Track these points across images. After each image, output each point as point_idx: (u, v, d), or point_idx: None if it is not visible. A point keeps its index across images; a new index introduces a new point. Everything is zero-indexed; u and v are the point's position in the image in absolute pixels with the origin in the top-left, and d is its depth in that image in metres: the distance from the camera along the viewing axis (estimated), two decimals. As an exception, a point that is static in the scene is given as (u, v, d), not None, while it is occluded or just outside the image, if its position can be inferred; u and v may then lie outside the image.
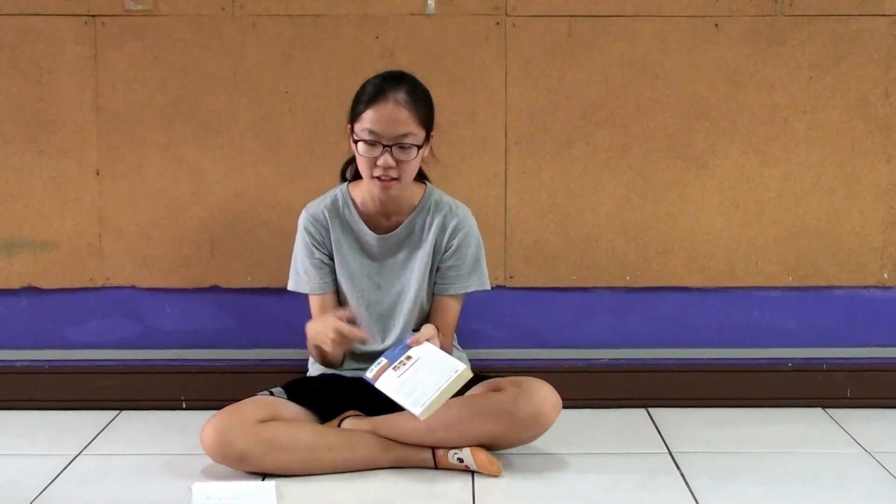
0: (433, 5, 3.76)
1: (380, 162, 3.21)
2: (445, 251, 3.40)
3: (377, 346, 3.43)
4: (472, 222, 3.43)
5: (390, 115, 3.20)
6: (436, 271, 3.41)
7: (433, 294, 3.44)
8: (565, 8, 3.76)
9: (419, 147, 3.25)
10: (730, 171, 3.82)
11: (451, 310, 3.43)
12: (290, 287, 3.47)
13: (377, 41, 3.75)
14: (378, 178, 3.24)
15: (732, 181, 3.82)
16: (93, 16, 3.75)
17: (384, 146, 3.21)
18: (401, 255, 3.42)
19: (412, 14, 3.76)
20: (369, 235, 3.40)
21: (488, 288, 3.46)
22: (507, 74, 3.79)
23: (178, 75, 3.78)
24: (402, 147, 3.22)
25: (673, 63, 3.78)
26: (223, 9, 3.75)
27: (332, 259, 3.42)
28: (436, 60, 3.76)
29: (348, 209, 3.42)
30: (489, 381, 3.31)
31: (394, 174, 3.23)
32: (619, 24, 3.77)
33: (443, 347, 3.35)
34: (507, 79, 3.79)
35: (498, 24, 3.77)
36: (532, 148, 3.81)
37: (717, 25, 3.77)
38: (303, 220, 3.44)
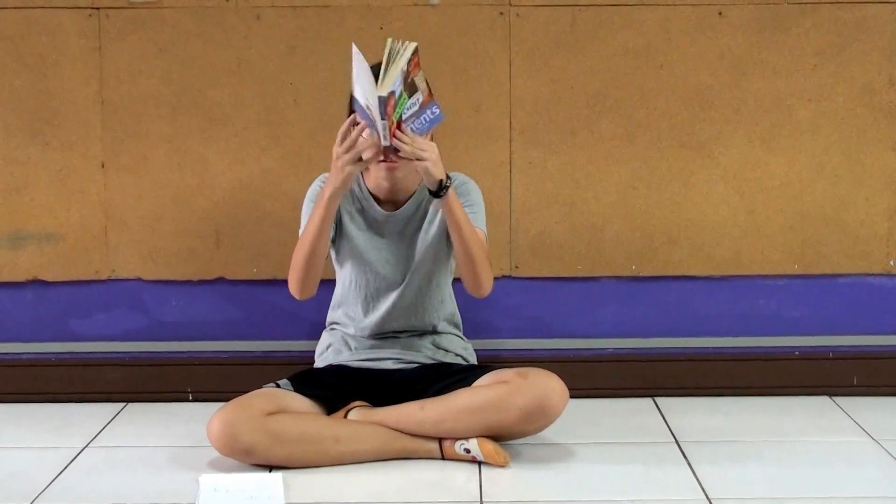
0: (437, -4, 3.77)
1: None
2: None
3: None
4: (473, 184, 3.45)
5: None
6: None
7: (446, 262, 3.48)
8: (569, -3, 3.77)
9: None
10: (734, 159, 3.82)
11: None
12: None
13: (381, 32, 3.74)
14: (383, 160, 3.24)
15: (737, 169, 3.82)
16: (97, 8, 3.75)
17: None
18: (409, 230, 3.42)
19: (416, 4, 3.76)
20: (378, 212, 3.41)
21: (486, 235, 3.41)
22: (511, 64, 3.79)
23: (183, 67, 3.78)
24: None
25: (677, 51, 3.78)
26: (227, 0, 3.75)
27: (339, 216, 3.41)
28: (440, 51, 3.76)
29: (358, 185, 3.42)
30: (495, 371, 3.31)
31: (396, 157, 3.23)
32: (622, 13, 3.76)
33: (476, 231, 3.32)
34: (511, 69, 3.79)
35: (502, 14, 3.77)
36: (537, 137, 3.81)
37: (720, 13, 3.76)
38: (317, 181, 3.46)
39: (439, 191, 3.16)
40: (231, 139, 3.81)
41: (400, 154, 3.08)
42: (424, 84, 3.09)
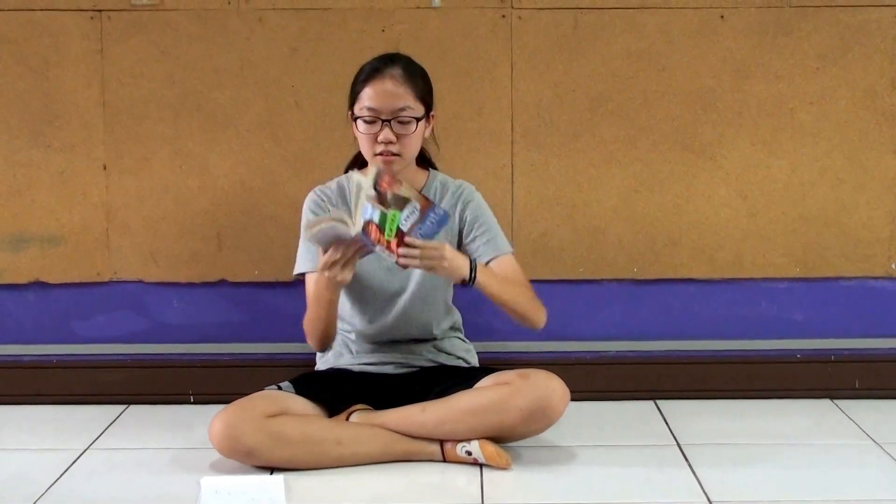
0: (439, -2, 3.77)
1: (380, 138, 3.23)
2: (464, 226, 3.41)
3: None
4: (477, 194, 3.46)
5: (387, 90, 3.25)
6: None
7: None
8: (571, 0, 3.75)
9: (419, 120, 3.27)
10: (737, 162, 3.82)
11: (505, 269, 3.38)
12: (296, 271, 3.44)
13: (383, 34, 3.75)
14: (380, 154, 3.25)
15: (739, 172, 3.82)
16: (99, 10, 3.75)
17: (383, 121, 3.23)
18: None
19: (418, 7, 3.76)
20: None
21: (512, 250, 3.44)
22: (513, 67, 3.79)
23: (185, 70, 3.78)
24: (402, 121, 3.25)
25: (679, 55, 3.78)
26: (229, 3, 3.75)
27: None
28: (442, 54, 3.76)
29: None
30: (497, 373, 3.30)
31: (395, 149, 3.25)
32: (624, 17, 3.76)
33: (521, 283, 3.35)
34: (513, 72, 3.79)
35: (504, 16, 3.77)
36: (539, 141, 3.81)
37: (722, 17, 3.77)
38: (308, 201, 3.46)
39: (468, 282, 3.20)
40: (233, 141, 3.81)
41: (411, 264, 3.08)
42: (415, 192, 3.05)
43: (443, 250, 3.10)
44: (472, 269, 3.19)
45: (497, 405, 3.18)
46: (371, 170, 3.04)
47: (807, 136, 3.81)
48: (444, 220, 3.08)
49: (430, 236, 3.07)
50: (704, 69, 3.79)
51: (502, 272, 3.35)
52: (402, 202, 3.02)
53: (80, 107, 3.79)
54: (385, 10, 3.76)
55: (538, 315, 3.38)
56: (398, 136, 3.25)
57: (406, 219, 3.03)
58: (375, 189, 3.00)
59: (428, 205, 3.04)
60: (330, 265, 3.08)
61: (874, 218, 3.84)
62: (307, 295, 3.40)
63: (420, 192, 3.06)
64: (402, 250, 3.04)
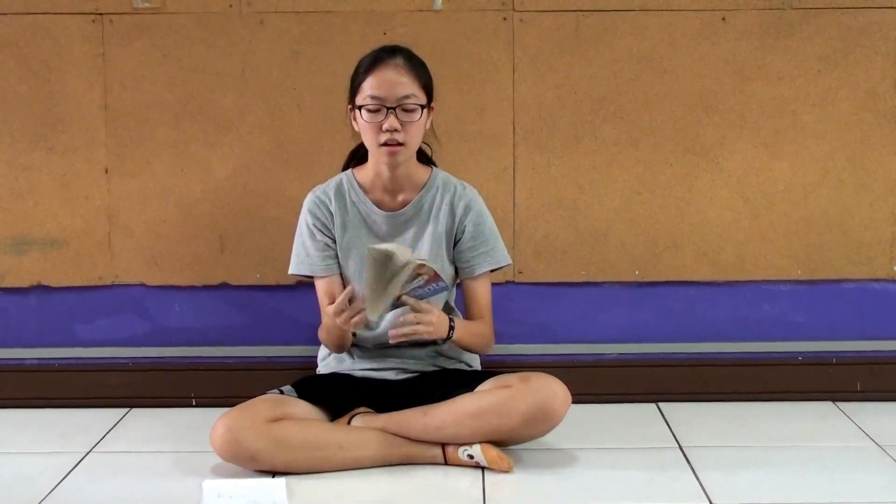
0: (440, 1, 3.76)
1: (385, 126, 3.22)
2: (461, 234, 3.40)
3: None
4: (480, 201, 3.45)
5: (391, 77, 3.24)
6: (454, 257, 3.42)
7: (459, 283, 3.47)
8: (573, 3, 3.76)
9: (423, 107, 3.27)
10: (738, 164, 3.82)
11: (483, 290, 3.44)
12: (291, 271, 3.45)
13: (385, 37, 3.74)
14: (385, 143, 3.24)
15: (741, 174, 3.82)
16: (101, 14, 3.76)
17: (388, 109, 3.22)
18: (409, 234, 3.41)
19: (420, 10, 3.76)
20: (377, 214, 3.40)
21: (510, 262, 3.47)
22: (515, 70, 3.78)
23: (187, 73, 3.78)
24: (407, 109, 3.24)
25: (681, 57, 3.78)
26: (231, 6, 3.76)
27: (335, 242, 3.41)
28: (444, 56, 3.76)
29: (354, 191, 3.42)
30: (498, 377, 3.30)
31: (400, 138, 3.24)
32: (626, 19, 3.76)
33: (481, 333, 3.41)
34: (515, 74, 3.79)
35: (505, 19, 3.77)
36: (540, 143, 3.81)
37: (724, 19, 3.76)
38: (307, 203, 3.45)
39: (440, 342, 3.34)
40: (235, 144, 3.81)
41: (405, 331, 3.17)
42: (430, 267, 3.07)
43: (432, 316, 3.19)
44: (451, 328, 3.28)
45: (498, 408, 3.18)
46: (409, 266, 3.05)
47: (808, 137, 3.81)
48: (441, 289, 3.16)
49: (422, 298, 3.16)
50: (706, 71, 3.79)
51: (475, 297, 3.45)
52: (416, 275, 3.07)
53: (81, 110, 3.79)
54: (386, 12, 3.76)
55: (486, 350, 3.51)
56: (403, 125, 3.24)
57: (413, 286, 3.09)
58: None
59: (434, 277, 3.08)
60: (339, 313, 3.15)
61: (876, 220, 3.84)
62: (319, 302, 3.41)
63: (431, 268, 3.09)
64: (392, 333, 3.17)
